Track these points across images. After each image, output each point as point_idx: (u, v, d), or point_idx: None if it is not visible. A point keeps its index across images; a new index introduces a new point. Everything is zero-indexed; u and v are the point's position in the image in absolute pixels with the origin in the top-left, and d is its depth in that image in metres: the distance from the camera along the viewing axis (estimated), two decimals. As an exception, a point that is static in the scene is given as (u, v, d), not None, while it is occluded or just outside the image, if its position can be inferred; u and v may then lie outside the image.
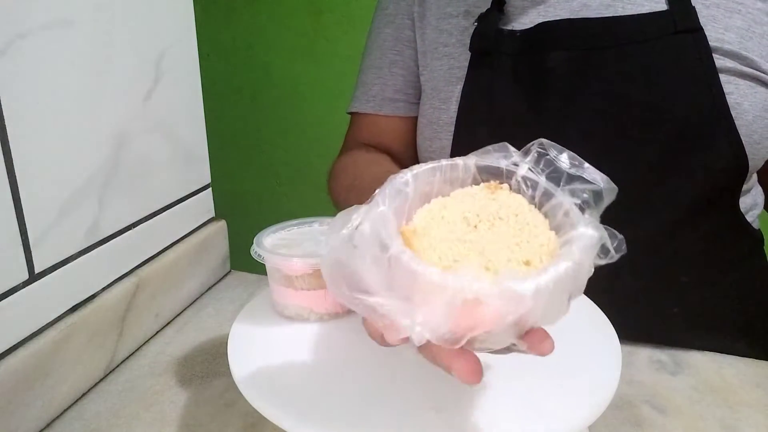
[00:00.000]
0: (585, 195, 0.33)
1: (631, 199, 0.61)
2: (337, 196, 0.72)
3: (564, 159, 0.34)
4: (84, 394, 0.57)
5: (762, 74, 0.57)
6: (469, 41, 0.65)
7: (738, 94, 0.57)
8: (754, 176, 0.66)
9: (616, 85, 0.59)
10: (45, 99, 0.51)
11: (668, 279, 0.63)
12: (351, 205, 0.69)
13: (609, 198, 0.33)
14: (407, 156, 0.75)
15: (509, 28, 0.64)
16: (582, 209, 0.33)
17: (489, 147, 0.36)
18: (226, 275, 0.81)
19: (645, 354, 0.60)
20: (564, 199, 0.33)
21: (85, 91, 0.55)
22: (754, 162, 0.59)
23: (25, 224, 0.50)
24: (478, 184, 0.36)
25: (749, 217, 0.65)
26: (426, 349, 0.34)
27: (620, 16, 0.59)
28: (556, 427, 0.37)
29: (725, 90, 0.56)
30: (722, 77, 0.57)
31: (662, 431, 0.50)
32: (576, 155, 0.34)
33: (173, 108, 0.69)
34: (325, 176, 0.79)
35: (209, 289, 0.77)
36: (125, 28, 0.60)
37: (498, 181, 0.36)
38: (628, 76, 0.59)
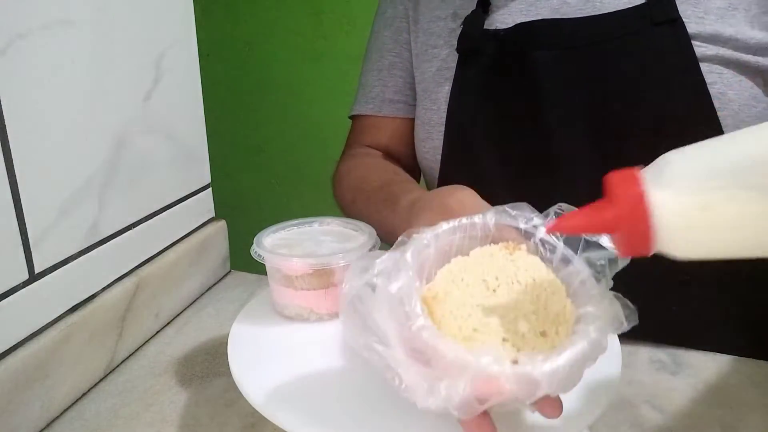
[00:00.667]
0: (601, 262, 0.33)
1: None
2: (343, 200, 0.73)
3: None
4: (84, 394, 0.57)
5: (746, 56, 0.57)
6: (456, 42, 0.66)
7: (722, 83, 0.56)
8: None
9: (597, 83, 0.59)
10: (45, 99, 0.51)
11: (667, 278, 0.63)
12: (358, 209, 0.70)
13: (623, 263, 0.34)
14: (408, 156, 0.75)
15: (494, 28, 0.64)
16: (597, 279, 0.34)
17: (507, 206, 0.37)
18: (226, 275, 0.81)
19: (645, 354, 0.60)
20: (581, 268, 0.34)
21: (85, 91, 0.55)
22: None
23: (25, 224, 0.50)
24: (496, 242, 0.37)
25: None
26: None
27: (597, 15, 0.60)
28: (556, 427, 0.37)
29: (709, 80, 0.56)
30: (705, 66, 0.56)
31: (662, 431, 0.50)
32: None
33: (173, 108, 0.69)
34: (325, 176, 0.79)
35: (209, 289, 0.77)
36: (125, 28, 0.60)
37: (516, 242, 0.36)
38: (607, 74, 0.59)
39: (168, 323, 0.69)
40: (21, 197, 0.49)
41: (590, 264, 0.34)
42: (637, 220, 0.26)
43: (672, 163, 0.27)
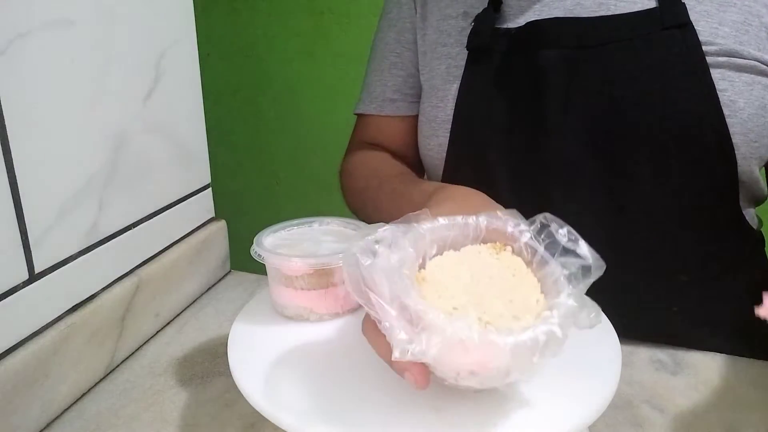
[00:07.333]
0: (574, 268, 0.37)
1: (627, 198, 0.61)
2: (354, 187, 0.75)
3: (563, 233, 0.38)
4: (84, 394, 0.57)
5: (760, 65, 0.57)
6: (466, 41, 0.66)
7: (733, 91, 0.57)
8: (757, 174, 0.66)
9: (605, 84, 0.59)
10: (45, 99, 0.51)
11: (668, 278, 0.63)
12: (368, 195, 0.72)
13: (597, 273, 0.36)
14: (408, 155, 0.76)
15: (505, 27, 0.64)
16: (569, 281, 0.37)
17: (499, 213, 0.41)
18: (226, 275, 0.81)
19: (645, 354, 0.60)
20: (556, 269, 0.38)
21: (85, 91, 0.55)
22: (752, 161, 0.59)
23: (25, 224, 0.50)
24: (486, 242, 0.41)
25: (747, 215, 0.65)
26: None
27: (609, 15, 0.60)
28: (556, 427, 0.37)
29: (720, 87, 0.56)
30: (717, 73, 0.56)
31: (662, 431, 0.50)
32: (573, 230, 0.38)
33: (173, 108, 0.69)
34: (325, 176, 0.79)
35: (209, 289, 0.77)
36: (125, 28, 0.60)
37: (503, 243, 0.41)
38: (616, 74, 0.59)
39: (168, 323, 0.69)
40: (21, 197, 0.49)
41: (565, 267, 0.38)
42: None
43: None
